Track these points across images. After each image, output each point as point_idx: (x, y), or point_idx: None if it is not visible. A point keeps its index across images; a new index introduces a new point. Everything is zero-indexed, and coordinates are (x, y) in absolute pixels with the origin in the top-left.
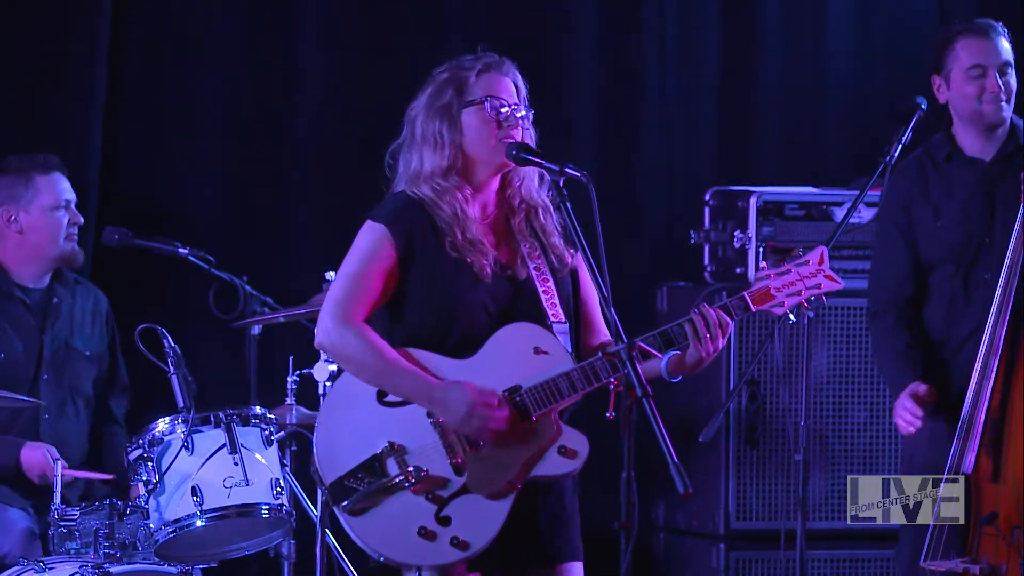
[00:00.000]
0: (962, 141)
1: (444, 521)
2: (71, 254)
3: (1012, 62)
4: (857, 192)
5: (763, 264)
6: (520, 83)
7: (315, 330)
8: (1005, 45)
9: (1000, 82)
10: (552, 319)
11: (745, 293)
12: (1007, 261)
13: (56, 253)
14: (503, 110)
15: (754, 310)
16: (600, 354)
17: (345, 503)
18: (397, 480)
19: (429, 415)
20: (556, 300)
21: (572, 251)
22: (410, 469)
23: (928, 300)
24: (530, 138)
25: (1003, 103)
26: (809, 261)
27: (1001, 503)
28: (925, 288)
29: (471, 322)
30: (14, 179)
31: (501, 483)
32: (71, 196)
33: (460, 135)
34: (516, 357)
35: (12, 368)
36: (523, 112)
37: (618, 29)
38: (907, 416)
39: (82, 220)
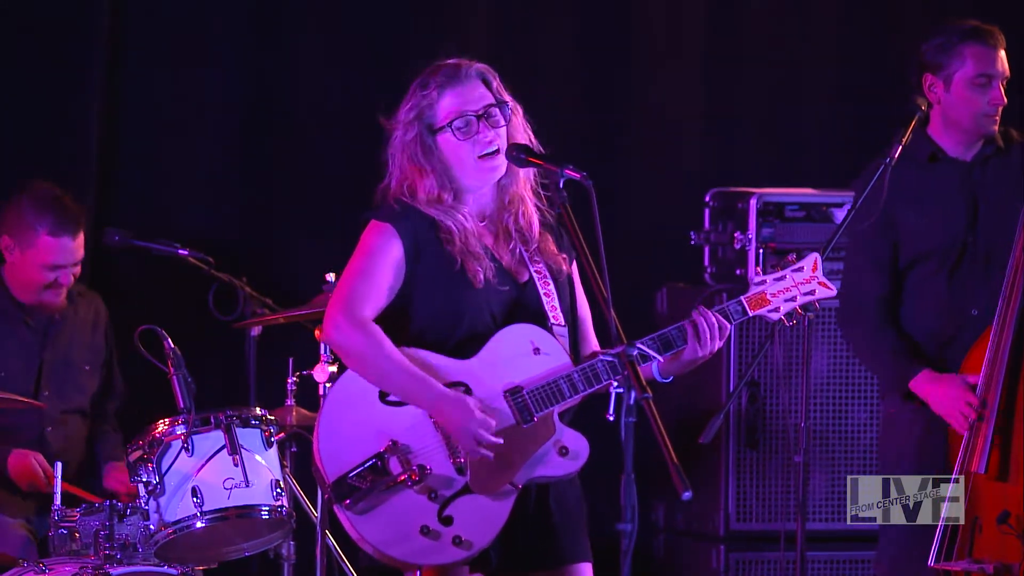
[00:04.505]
0: (943, 143)
1: (446, 521)
2: (46, 305)
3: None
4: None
5: (757, 269)
6: (490, 75)
7: (323, 324)
8: (1005, 56)
9: (1001, 94)
10: (552, 321)
11: (742, 297)
12: (1010, 265)
13: (33, 299)
14: (469, 128)
15: (751, 314)
16: (600, 355)
17: (347, 501)
18: (400, 479)
19: (431, 415)
20: (556, 303)
21: (566, 256)
22: (413, 468)
23: (903, 299)
24: (518, 121)
25: (999, 116)
26: (803, 268)
27: (1011, 501)
28: (900, 287)
29: (474, 323)
30: (23, 218)
31: (502, 483)
32: (71, 259)
33: (440, 160)
34: (516, 358)
35: (11, 386)
36: (497, 105)
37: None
38: (972, 409)
39: (69, 282)
